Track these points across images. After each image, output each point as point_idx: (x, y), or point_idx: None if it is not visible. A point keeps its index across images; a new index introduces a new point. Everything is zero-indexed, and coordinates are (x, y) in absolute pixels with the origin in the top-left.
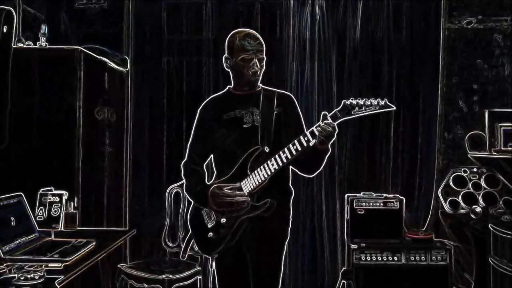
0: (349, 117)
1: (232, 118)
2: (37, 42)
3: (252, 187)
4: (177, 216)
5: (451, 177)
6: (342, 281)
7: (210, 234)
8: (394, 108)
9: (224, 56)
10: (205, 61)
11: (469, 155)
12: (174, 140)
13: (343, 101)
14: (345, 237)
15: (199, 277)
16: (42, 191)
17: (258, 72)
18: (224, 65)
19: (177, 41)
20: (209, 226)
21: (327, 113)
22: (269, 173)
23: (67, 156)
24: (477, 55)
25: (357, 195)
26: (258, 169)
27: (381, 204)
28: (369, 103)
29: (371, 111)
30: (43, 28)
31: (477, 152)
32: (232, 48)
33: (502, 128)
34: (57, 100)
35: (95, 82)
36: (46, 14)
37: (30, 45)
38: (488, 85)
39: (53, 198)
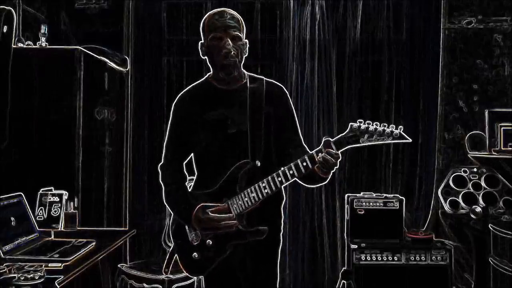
0: (356, 145)
1: (213, 120)
2: (37, 42)
3: (241, 209)
4: None
5: (451, 177)
6: (342, 281)
7: (195, 254)
8: (410, 140)
9: (200, 42)
10: (205, 61)
11: (469, 155)
12: None
13: (350, 124)
14: (345, 237)
15: (199, 277)
16: (42, 191)
17: (233, 53)
18: (200, 53)
19: (177, 41)
20: (194, 243)
21: (330, 140)
22: (261, 197)
23: (67, 156)
24: (477, 55)
25: (357, 195)
26: (249, 189)
27: (381, 204)
28: (381, 130)
29: (383, 141)
30: (43, 28)
31: (477, 152)
32: (203, 30)
33: (502, 128)
34: (57, 100)
35: (95, 82)
36: (46, 14)
37: (30, 45)
38: (488, 85)
39: (53, 198)
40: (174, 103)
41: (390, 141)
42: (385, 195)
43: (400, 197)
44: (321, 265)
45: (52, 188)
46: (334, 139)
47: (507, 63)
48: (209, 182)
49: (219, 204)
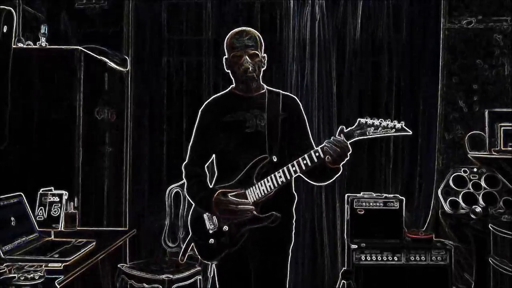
0: (363, 137)
1: (233, 121)
2: (37, 42)
3: (257, 197)
4: (177, 216)
5: (451, 177)
6: (342, 281)
7: (211, 240)
8: (411, 133)
9: (224, 57)
10: (205, 61)
11: (469, 155)
12: (174, 140)
13: (358, 119)
14: (345, 237)
15: (199, 277)
16: (42, 191)
17: (251, 69)
18: (225, 66)
19: (177, 41)
20: (211, 232)
21: (344, 127)
22: (276, 186)
23: (67, 156)
24: (477, 55)
25: (357, 195)
26: (265, 179)
27: (381, 204)
28: (385, 124)
29: (386, 133)
30: (43, 28)
31: (477, 152)
32: (226, 48)
33: (502, 128)
34: (57, 100)
35: (95, 82)
36: (46, 14)
37: (30, 45)
38: (488, 85)
39: (53, 198)
40: (200, 109)
41: (393, 133)
42: (385, 195)
43: (400, 197)
44: (321, 265)
45: (52, 188)
46: (345, 131)
47: (507, 63)
48: (228, 177)
49: (238, 190)
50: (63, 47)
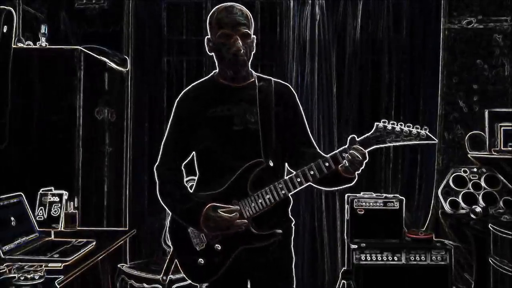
0: (382, 145)
1: (218, 117)
2: (37, 42)
3: (253, 211)
4: None
5: (451, 177)
6: (342, 281)
7: (201, 260)
8: (436, 141)
9: (206, 37)
10: (205, 61)
11: (469, 155)
12: None
13: (375, 123)
14: (345, 237)
15: None
16: (42, 191)
17: (242, 51)
18: (207, 48)
19: (177, 41)
20: (198, 249)
21: (356, 139)
22: (277, 199)
23: (67, 156)
24: (477, 55)
25: (357, 195)
26: (263, 191)
27: (381, 204)
28: (407, 131)
29: (409, 141)
30: (43, 28)
31: (477, 152)
32: (210, 25)
33: (502, 128)
34: (57, 100)
35: (95, 82)
36: (46, 14)
37: (30, 45)
38: (488, 85)
39: (53, 198)
40: (176, 101)
41: (416, 142)
42: (385, 195)
43: (400, 197)
44: (321, 265)
45: (52, 188)
46: (360, 138)
47: (507, 63)
48: (213, 182)
49: (230, 206)
50: (63, 47)
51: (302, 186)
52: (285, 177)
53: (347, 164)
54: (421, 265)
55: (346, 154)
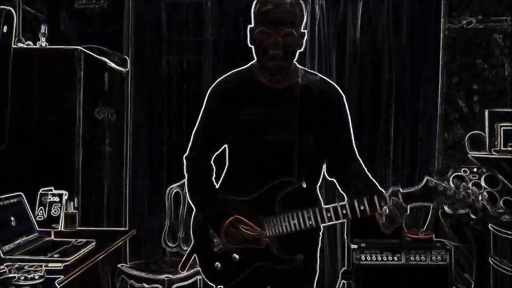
0: (427, 204)
1: (250, 121)
2: (37, 42)
3: (276, 232)
4: (177, 216)
5: (451, 177)
6: (342, 281)
7: (218, 264)
8: (494, 214)
9: (249, 26)
10: (205, 61)
11: (469, 155)
12: (174, 140)
13: (426, 178)
14: (345, 237)
15: (199, 277)
16: (42, 191)
17: (280, 53)
18: (248, 38)
19: (177, 41)
20: (216, 250)
21: (399, 190)
22: (303, 227)
23: (67, 156)
24: (477, 55)
25: None
26: (290, 214)
27: None
28: (461, 197)
29: (460, 208)
30: (43, 28)
31: (477, 152)
32: (254, 15)
33: (502, 128)
34: (57, 100)
35: (95, 82)
36: (46, 14)
37: (30, 45)
38: (488, 85)
39: (53, 198)
40: (209, 90)
41: (467, 211)
42: None
43: None
44: (321, 265)
45: (52, 188)
46: (405, 191)
47: (507, 63)
48: (242, 182)
49: (254, 226)
50: (63, 47)
51: (331, 223)
52: (316, 207)
53: (383, 220)
54: (421, 265)
55: (385, 207)
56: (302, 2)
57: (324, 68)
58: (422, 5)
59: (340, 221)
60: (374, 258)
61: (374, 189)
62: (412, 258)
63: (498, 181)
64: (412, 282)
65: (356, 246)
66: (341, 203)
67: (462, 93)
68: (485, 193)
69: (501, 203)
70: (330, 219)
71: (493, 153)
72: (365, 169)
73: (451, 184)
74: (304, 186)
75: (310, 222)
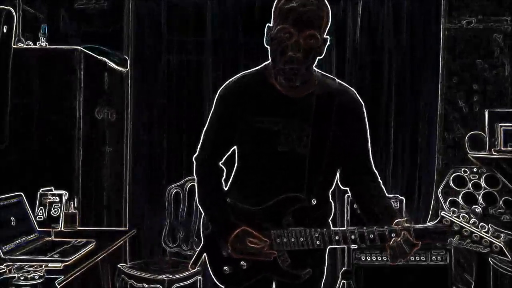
0: (441, 243)
1: (263, 129)
2: (37, 42)
3: (283, 247)
4: (177, 216)
5: (451, 177)
6: (342, 281)
7: (226, 268)
8: (510, 259)
9: (267, 25)
10: (205, 61)
11: (469, 155)
12: (174, 140)
13: (442, 213)
14: None
15: (199, 277)
16: (42, 191)
17: (300, 57)
18: (265, 38)
19: (177, 41)
20: (224, 254)
21: (412, 226)
22: (310, 246)
23: (67, 156)
24: (477, 55)
25: None
26: (299, 231)
27: None
28: (478, 236)
29: (475, 249)
30: (43, 28)
31: (477, 152)
32: (274, 12)
33: (502, 128)
34: (57, 100)
35: (95, 82)
36: (46, 14)
37: (30, 45)
38: (488, 85)
39: (53, 198)
40: (219, 91)
41: (485, 251)
42: None
43: (400, 197)
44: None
45: (52, 188)
46: (418, 227)
47: (507, 63)
48: (251, 188)
49: (262, 238)
50: (63, 47)
51: (339, 246)
52: (325, 229)
53: (391, 251)
54: (421, 265)
55: (395, 240)
56: (329, 6)
57: (324, 68)
58: (422, 5)
59: (348, 245)
60: (374, 258)
61: (391, 215)
62: (412, 258)
63: (498, 181)
64: (412, 282)
65: (356, 246)
66: (350, 229)
67: (462, 93)
68: (504, 235)
69: (501, 203)
70: (338, 242)
71: (493, 153)
72: (383, 189)
73: (468, 222)
74: (314, 203)
75: (318, 243)
